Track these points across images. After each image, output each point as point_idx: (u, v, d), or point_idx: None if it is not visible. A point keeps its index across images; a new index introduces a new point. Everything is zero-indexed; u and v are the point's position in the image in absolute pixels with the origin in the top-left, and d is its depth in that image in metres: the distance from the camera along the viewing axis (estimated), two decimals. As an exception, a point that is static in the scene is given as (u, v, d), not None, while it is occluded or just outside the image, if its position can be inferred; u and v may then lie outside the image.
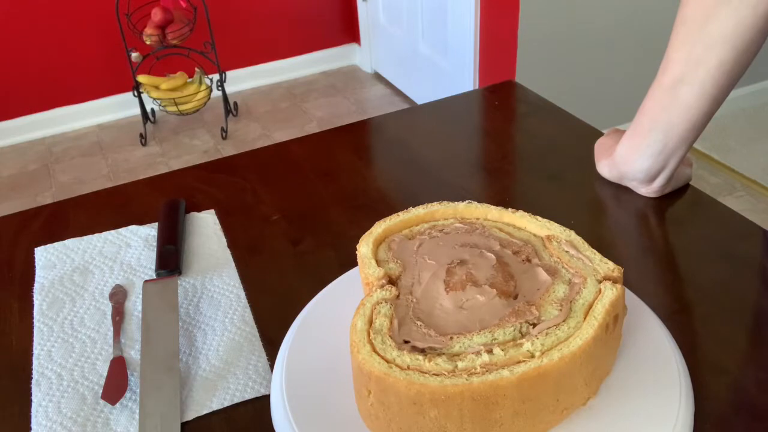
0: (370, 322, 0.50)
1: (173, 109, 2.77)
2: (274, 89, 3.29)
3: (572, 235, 0.56)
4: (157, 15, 2.64)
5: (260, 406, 0.57)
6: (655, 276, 0.68)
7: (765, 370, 0.57)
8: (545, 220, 0.58)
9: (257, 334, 0.64)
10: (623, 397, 0.52)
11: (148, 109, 2.96)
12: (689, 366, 0.55)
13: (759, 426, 0.53)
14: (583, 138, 0.93)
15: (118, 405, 0.57)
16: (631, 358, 0.55)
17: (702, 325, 0.62)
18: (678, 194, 0.81)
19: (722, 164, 2.41)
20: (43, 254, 0.76)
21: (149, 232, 0.78)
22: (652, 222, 0.76)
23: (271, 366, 0.60)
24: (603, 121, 2.52)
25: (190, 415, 0.57)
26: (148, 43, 2.67)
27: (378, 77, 3.36)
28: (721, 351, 0.59)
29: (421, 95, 3.00)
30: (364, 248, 0.56)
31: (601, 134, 0.94)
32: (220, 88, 2.83)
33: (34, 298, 0.70)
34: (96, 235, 0.78)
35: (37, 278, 0.73)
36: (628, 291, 0.60)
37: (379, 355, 0.47)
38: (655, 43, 2.45)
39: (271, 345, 0.63)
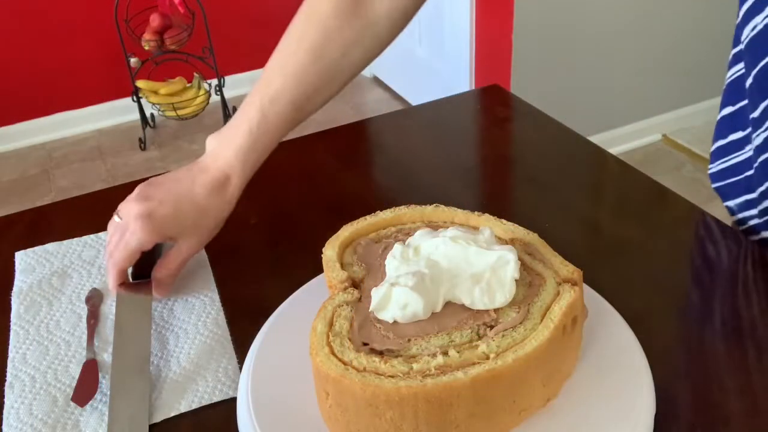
0: (331, 325, 0.50)
1: (172, 113, 2.78)
2: (273, 94, 3.30)
3: (535, 237, 0.57)
4: (155, 20, 2.66)
5: (229, 408, 0.58)
6: (622, 278, 0.68)
7: (729, 373, 0.57)
8: (510, 223, 0.58)
9: (229, 337, 0.65)
10: (584, 398, 0.52)
11: (148, 114, 2.98)
12: (653, 368, 0.55)
13: (721, 428, 0.53)
14: (562, 142, 0.94)
15: (87, 407, 0.58)
16: (594, 360, 0.55)
17: (668, 328, 0.63)
18: (648, 194, 0.81)
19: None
20: (23, 258, 0.77)
21: (128, 236, 0.78)
22: (623, 224, 0.77)
23: (241, 369, 0.61)
24: (601, 122, 2.52)
25: (158, 417, 0.57)
26: (146, 48, 2.68)
27: (376, 81, 3.37)
28: (685, 354, 0.60)
29: (419, 99, 2.99)
30: (329, 251, 0.57)
31: (584, 139, 0.94)
32: (218, 92, 2.84)
33: (12, 302, 0.71)
34: (76, 239, 0.79)
35: (16, 282, 0.73)
36: (594, 293, 0.60)
37: (336, 357, 0.48)
38: (653, 43, 2.45)
39: (243, 348, 0.63)
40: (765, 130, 0.67)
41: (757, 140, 0.68)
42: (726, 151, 0.76)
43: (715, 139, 0.78)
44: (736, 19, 0.68)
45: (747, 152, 0.73)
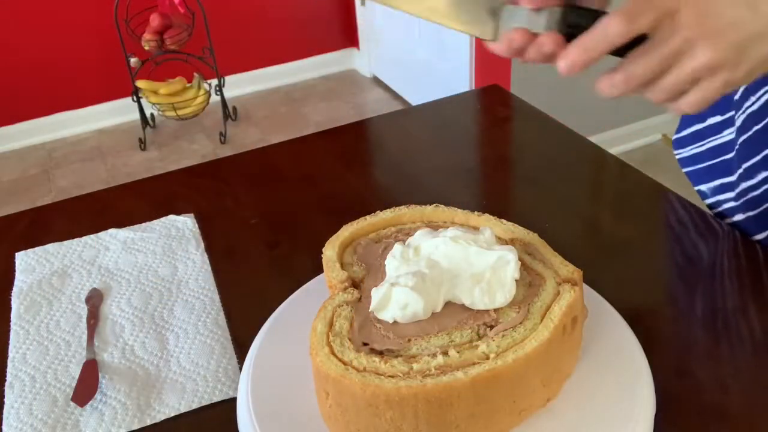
0: (331, 325, 0.50)
1: (172, 113, 2.78)
2: (273, 94, 3.30)
3: (535, 237, 0.57)
4: (155, 20, 2.65)
5: (228, 408, 0.58)
6: (622, 278, 0.68)
7: (728, 372, 0.57)
8: (510, 223, 0.58)
9: (229, 337, 0.65)
10: (584, 398, 0.52)
11: (148, 114, 2.97)
12: (653, 367, 0.55)
13: (721, 427, 0.53)
14: (562, 142, 0.94)
15: (87, 407, 0.58)
16: (594, 359, 0.55)
17: (668, 327, 0.63)
18: (648, 194, 0.81)
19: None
20: (23, 259, 0.77)
21: (127, 235, 0.78)
22: (623, 224, 0.77)
23: (241, 369, 0.61)
24: (601, 122, 2.52)
25: (158, 417, 0.57)
26: (146, 48, 2.68)
27: (377, 81, 3.37)
28: (685, 353, 0.60)
29: (420, 99, 2.99)
30: (329, 251, 0.57)
31: (584, 139, 0.94)
32: (218, 92, 2.84)
33: (12, 302, 0.71)
34: (76, 239, 0.79)
35: (16, 282, 0.73)
36: (594, 292, 0.60)
37: (336, 357, 0.48)
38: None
39: (242, 348, 0.63)
40: (743, 113, 0.69)
41: (738, 121, 0.70)
42: (702, 135, 0.77)
43: (691, 123, 0.79)
44: None
45: (727, 135, 0.74)
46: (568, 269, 0.53)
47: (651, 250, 0.73)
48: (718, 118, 0.75)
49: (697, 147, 0.78)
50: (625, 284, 0.67)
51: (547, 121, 0.98)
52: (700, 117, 0.77)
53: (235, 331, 0.66)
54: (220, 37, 2.89)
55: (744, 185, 0.71)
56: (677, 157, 0.81)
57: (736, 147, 0.71)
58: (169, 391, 0.59)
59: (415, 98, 3.04)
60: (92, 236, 0.79)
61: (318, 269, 0.70)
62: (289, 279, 0.71)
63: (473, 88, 2.58)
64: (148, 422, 0.57)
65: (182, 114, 2.79)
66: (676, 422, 0.53)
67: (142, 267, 0.74)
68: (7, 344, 0.66)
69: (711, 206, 0.78)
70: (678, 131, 0.81)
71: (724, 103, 0.74)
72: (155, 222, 0.81)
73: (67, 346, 0.65)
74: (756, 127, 0.68)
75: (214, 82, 2.88)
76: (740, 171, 0.71)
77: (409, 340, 0.49)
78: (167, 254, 0.76)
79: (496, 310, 0.50)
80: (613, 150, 2.38)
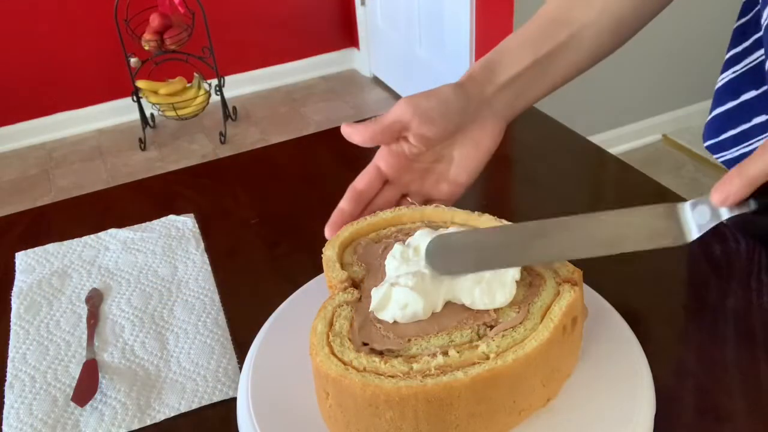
0: (331, 325, 0.50)
1: (172, 113, 2.78)
2: (273, 94, 3.30)
3: (535, 238, 0.56)
4: (155, 20, 2.66)
5: (229, 408, 0.58)
6: (621, 277, 0.68)
7: (729, 373, 0.57)
8: (509, 223, 0.58)
9: (229, 337, 0.65)
10: (584, 398, 0.52)
11: (148, 114, 2.98)
12: (653, 368, 0.55)
13: (721, 428, 0.53)
14: (562, 142, 0.94)
15: (87, 407, 0.58)
16: (593, 359, 0.55)
17: (668, 328, 0.63)
18: (648, 194, 0.81)
19: (719, 166, 2.40)
20: (23, 259, 0.77)
21: (127, 235, 0.78)
22: (626, 225, 0.77)
23: (241, 369, 0.61)
24: (601, 122, 2.52)
25: (158, 417, 0.57)
26: (146, 48, 2.69)
27: (377, 81, 3.37)
28: (685, 353, 0.60)
29: (419, 99, 3.00)
30: (329, 251, 0.57)
31: (584, 139, 0.94)
32: (218, 92, 2.85)
33: (12, 302, 0.71)
34: (76, 239, 0.79)
35: (16, 282, 0.74)
36: (593, 292, 0.60)
37: (336, 357, 0.48)
38: (653, 43, 2.45)
39: (243, 348, 0.63)
40: None
41: None
42: (748, 135, 0.76)
43: (731, 126, 0.78)
44: (757, 6, 0.69)
45: None
46: (568, 269, 0.53)
47: (651, 250, 0.73)
48: (763, 117, 0.74)
49: (743, 147, 0.77)
50: (625, 284, 0.67)
51: (547, 121, 0.98)
52: (745, 118, 0.76)
53: (235, 331, 0.66)
54: (220, 37, 2.90)
55: None
56: (720, 160, 0.80)
57: None
58: (169, 391, 0.59)
59: (415, 98, 3.05)
60: (92, 236, 0.79)
61: (318, 269, 0.70)
62: (289, 279, 0.71)
63: (473, 88, 2.58)
64: (148, 422, 0.57)
65: (182, 114, 2.79)
66: (676, 422, 0.53)
67: (142, 267, 0.74)
68: (7, 344, 0.66)
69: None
70: (711, 137, 0.80)
71: (766, 102, 0.73)
72: (155, 222, 0.81)
73: (67, 346, 0.65)
74: None
75: (214, 82, 2.88)
76: None
77: (409, 340, 0.49)
78: (167, 254, 0.76)
79: (496, 310, 0.50)
80: (613, 150, 2.38)
